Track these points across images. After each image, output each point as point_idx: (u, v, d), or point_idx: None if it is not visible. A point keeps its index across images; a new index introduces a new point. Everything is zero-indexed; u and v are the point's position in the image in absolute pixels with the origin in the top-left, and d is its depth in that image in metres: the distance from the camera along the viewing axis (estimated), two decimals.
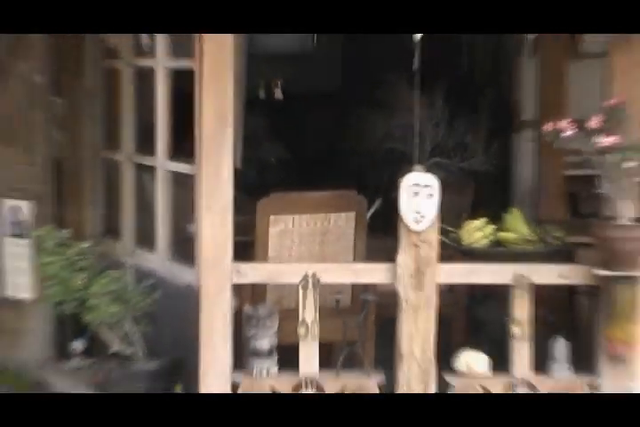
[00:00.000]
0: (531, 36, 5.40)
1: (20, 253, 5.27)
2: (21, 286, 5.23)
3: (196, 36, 3.99)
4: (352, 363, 4.12)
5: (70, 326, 5.27)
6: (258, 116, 6.10)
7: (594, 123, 3.66)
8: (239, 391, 3.96)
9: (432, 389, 3.88)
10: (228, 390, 3.98)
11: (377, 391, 3.88)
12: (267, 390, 3.94)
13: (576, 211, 5.79)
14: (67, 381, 4.88)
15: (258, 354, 3.96)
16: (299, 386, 3.94)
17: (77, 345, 5.19)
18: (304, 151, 6.52)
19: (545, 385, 3.90)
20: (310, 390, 3.96)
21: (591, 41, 5.61)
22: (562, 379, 3.94)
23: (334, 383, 3.93)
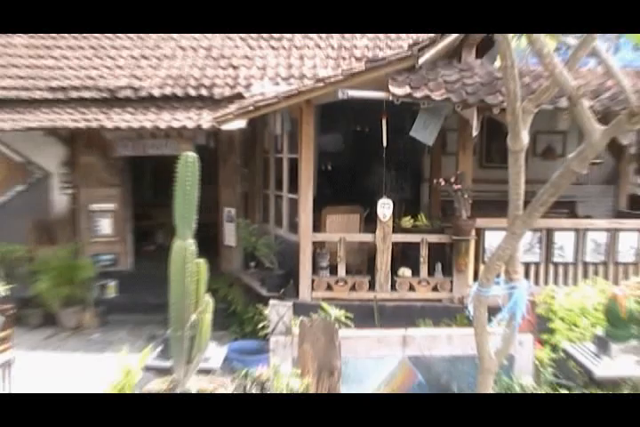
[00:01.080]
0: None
1: (230, 229, 11.01)
2: (231, 241, 10.93)
3: (299, 142, 9.25)
4: (359, 271, 9.34)
5: (249, 256, 10.79)
6: (321, 176, 11.12)
7: (453, 180, 8.88)
8: (314, 285, 9.12)
9: (389, 284, 9.08)
10: (309, 284, 9.12)
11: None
12: (325, 284, 9.14)
13: (444, 213, 10.60)
14: (247, 277, 10.30)
15: (321, 268, 9.23)
16: (338, 280, 9.14)
17: (252, 264, 10.79)
18: (339, 189, 11.26)
19: (432, 281, 9.08)
20: (349, 282, 9.03)
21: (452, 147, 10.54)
22: (438, 277, 9.12)
23: (351, 280, 9.16)
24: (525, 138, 3.50)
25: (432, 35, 8.85)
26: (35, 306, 10.90)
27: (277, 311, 5.24)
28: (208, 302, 5.22)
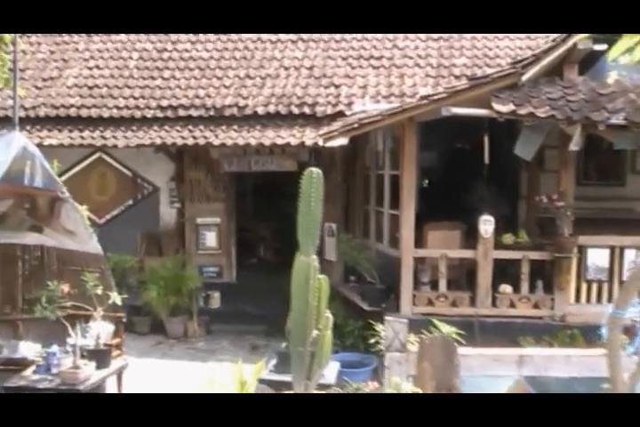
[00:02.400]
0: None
1: (331, 243, 11.07)
2: (332, 255, 10.99)
3: (401, 158, 9.28)
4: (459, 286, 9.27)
5: (349, 270, 10.81)
6: (420, 193, 10.76)
7: (555, 197, 8.74)
8: (415, 300, 9.07)
9: (489, 301, 8.97)
10: (411, 298, 9.08)
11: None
12: (426, 299, 9.10)
13: (542, 230, 10.26)
14: (348, 291, 10.29)
15: (422, 283, 9.20)
16: (439, 295, 9.09)
17: (352, 278, 10.74)
18: (438, 205, 10.76)
19: (533, 298, 8.93)
20: (450, 297, 8.98)
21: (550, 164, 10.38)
22: (539, 295, 8.97)
23: (451, 295, 9.10)
24: None
25: (536, 52, 8.76)
26: (143, 314, 11.22)
27: (393, 328, 5.24)
28: (328, 318, 5.25)
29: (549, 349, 7.13)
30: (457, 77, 12.04)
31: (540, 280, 9.05)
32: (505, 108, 8.16)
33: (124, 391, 7.40)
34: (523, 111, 8.13)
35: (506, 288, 9.05)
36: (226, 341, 11.05)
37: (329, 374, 6.29)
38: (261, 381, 6.28)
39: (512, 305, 9.04)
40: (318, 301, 5.12)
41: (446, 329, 6.64)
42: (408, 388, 4.73)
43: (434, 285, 9.21)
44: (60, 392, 6.42)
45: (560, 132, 8.64)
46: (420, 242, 9.40)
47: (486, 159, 8.94)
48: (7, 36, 8.31)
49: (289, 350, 6.01)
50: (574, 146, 8.33)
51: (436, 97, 8.49)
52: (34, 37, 13.89)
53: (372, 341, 7.53)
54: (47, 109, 12.37)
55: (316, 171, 5.07)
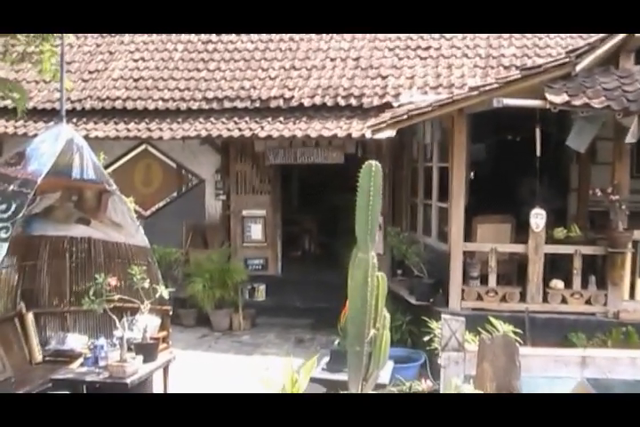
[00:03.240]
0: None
1: (380, 236, 10.77)
2: (379, 248, 10.77)
3: (450, 151, 9.07)
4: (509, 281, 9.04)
5: (396, 263, 10.72)
6: (469, 185, 10.57)
7: (609, 190, 8.45)
8: (464, 295, 8.86)
9: (540, 296, 8.73)
10: (459, 293, 8.86)
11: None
12: (475, 294, 8.88)
13: (592, 224, 10.12)
14: (395, 285, 10.01)
15: (471, 278, 8.97)
16: (488, 290, 8.85)
17: (399, 272, 10.64)
18: (487, 198, 10.40)
19: (585, 293, 8.68)
20: (499, 292, 8.74)
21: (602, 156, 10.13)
22: (592, 290, 8.70)
23: (501, 290, 8.87)
24: None
25: (590, 41, 8.48)
26: (189, 307, 11.20)
27: (450, 326, 5.06)
28: (386, 317, 5.10)
29: (613, 350, 6.85)
30: (506, 68, 11.78)
31: (593, 275, 8.77)
32: (559, 98, 7.89)
33: (169, 384, 7.36)
34: (577, 102, 7.85)
35: (557, 283, 8.80)
36: (271, 334, 10.96)
37: (384, 374, 6.13)
38: (313, 379, 6.09)
39: (564, 301, 8.77)
40: (376, 299, 4.95)
41: (503, 327, 6.44)
42: (468, 389, 4.55)
43: (483, 279, 8.98)
44: (106, 385, 6.39)
45: (615, 123, 8.34)
46: (469, 236, 9.19)
47: (538, 151, 8.66)
48: None
49: (341, 348, 5.88)
50: (632, 138, 8.04)
51: (486, 88, 8.24)
52: None
53: (426, 338, 7.37)
54: (93, 102, 12.39)
55: (374, 164, 4.87)
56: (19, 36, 8.44)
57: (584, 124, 8.44)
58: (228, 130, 11.30)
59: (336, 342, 6.50)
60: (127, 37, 13.81)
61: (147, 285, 6.94)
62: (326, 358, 6.75)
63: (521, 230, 9.12)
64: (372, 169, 4.82)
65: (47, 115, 12.22)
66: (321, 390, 6.24)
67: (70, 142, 6.45)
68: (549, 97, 7.88)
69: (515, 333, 6.75)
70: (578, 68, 8.30)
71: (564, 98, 7.87)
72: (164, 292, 7.13)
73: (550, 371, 5.16)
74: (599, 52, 8.32)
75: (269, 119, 11.52)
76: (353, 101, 11.56)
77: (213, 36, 13.48)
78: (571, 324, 8.53)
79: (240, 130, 11.25)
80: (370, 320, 4.88)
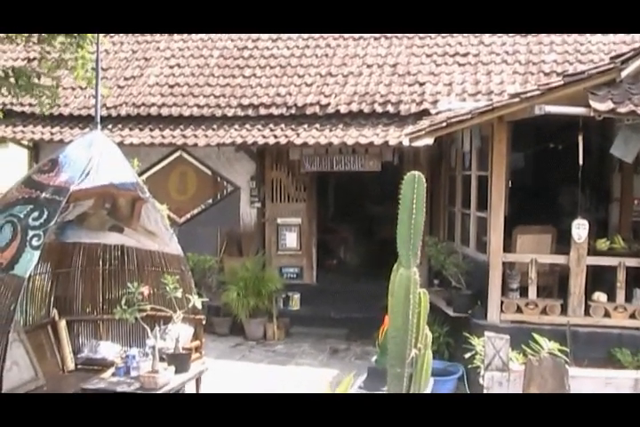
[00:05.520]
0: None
1: None
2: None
3: (490, 159, 8.88)
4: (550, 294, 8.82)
5: (433, 273, 10.56)
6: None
7: None
8: (503, 307, 8.63)
9: (582, 309, 8.47)
10: (498, 305, 8.61)
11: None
12: (514, 306, 8.66)
13: (636, 235, 9.95)
14: (431, 296, 9.74)
15: (511, 289, 8.75)
16: (528, 302, 8.59)
17: (436, 282, 10.49)
18: (527, 207, 10.54)
19: (629, 307, 8.42)
20: (540, 305, 8.51)
21: None
22: (637, 304, 8.44)
23: (542, 302, 8.63)
24: None
25: (635, 46, 8.25)
26: (223, 315, 11.13)
27: (494, 344, 4.87)
28: (428, 335, 4.94)
29: None
30: (547, 74, 11.55)
31: (638, 289, 8.50)
32: (603, 106, 7.67)
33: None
34: (623, 109, 7.61)
35: (600, 296, 8.55)
36: (305, 344, 10.83)
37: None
38: None
39: (607, 314, 8.50)
40: (418, 317, 4.77)
41: (548, 345, 6.24)
42: None
43: (523, 291, 8.76)
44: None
45: None
46: (508, 246, 8.99)
47: (580, 160, 8.44)
48: (90, 36, 8.31)
49: (379, 366, 5.71)
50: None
51: (528, 94, 8.03)
52: (116, 37, 13.96)
53: (467, 355, 7.17)
54: (128, 108, 12.39)
55: (417, 175, 4.67)
56: (54, 42, 8.43)
57: (630, 133, 8.18)
58: (264, 137, 11.21)
59: (373, 359, 6.32)
60: (163, 43, 13.81)
61: (180, 294, 6.87)
62: (363, 376, 6.54)
63: (562, 241, 8.91)
64: (416, 180, 4.63)
65: (83, 121, 12.27)
66: None
67: (103, 149, 6.38)
68: (593, 104, 7.67)
69: (560, 350, 6.52)
70: (623, 74, 8.07)
71: (609, 105, 7.65)
72: (197, 302, 7.05)
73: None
74: None
75: (305, 126, 11.40)
76: (390, 108, 11.40)
77: (249, 43, 13.43)
78: (615, 339, 8.26)
79: (275, 137, 11.15)
80: (411, 340, 4.71)
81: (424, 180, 4.73)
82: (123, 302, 6.58)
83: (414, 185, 4.66)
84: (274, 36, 13.41)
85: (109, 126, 11.84)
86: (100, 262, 7.79)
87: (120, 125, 12.11)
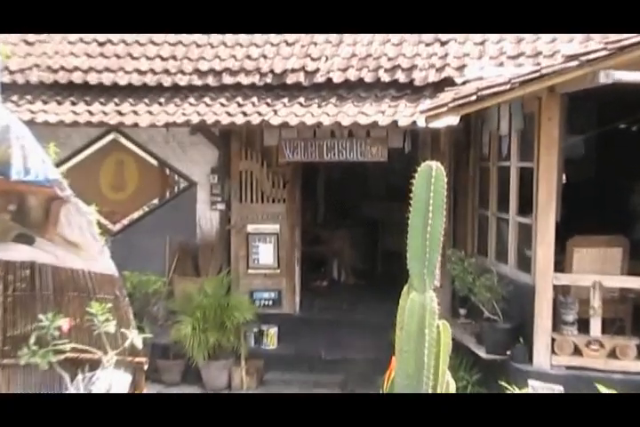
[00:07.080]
0: None
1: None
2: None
3: (536, 145, 8.74)
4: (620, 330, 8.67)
5: (459, 300, 10.47)
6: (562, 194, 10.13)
7: None
8: (554, 346, 8.46)
9: None
10: (548, 344, 8.49)
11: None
12: (571, 346, 8.50)
13: None
14: (456, 330, 9.61)
15: (565, 323, 8.61)
16: (590, 341, 8.44)
17: (462, 311, 10.37)
18: (588, 213, 10.61)
19: None
20: (607, 345, 8.32)
21: None
22: None
23: (609, 342, 8.46)
24: None
25: None
26: (173, 357, 11.05)
27: None
28: (451, 384, 4.72)
29: None
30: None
31: None
32: None
33: None
34: None
35: None
36: None
37: None
38: None
39: None
40: (437, 359, 4.53)
41: None
42: None
43: (582, 325, 8.70)
44: None
45: None
46: (561, 263, 8.98)
47: None
48: None
49: None
50: None
51: (590, 56, 7.85)
52: None
53: None
54: (41, 73, 12.19)
55: (435, 166, 4.36)
56: None
57: None
58: (229, 114, 11.05)
59: None
60: None
61: (112, 328, 6.72)
62: None
63: (637, 257, 8.90)
64: (432, 174, 4.36)
65: None
66: None
67: (6, 130, 6.19)
68: None
69: None
70: None
71: None
72: (136, 338, 6.91)
73: None
74: None
75: (285, 100, 11.31)
76: (400, 76, 11.32)
77: None
78: None
79: (245, 115, 10.99)
80: (427, 390, 4.48)
81: (444, 173, 4.45)
82: (32, 340, 6.47)
83: (431, 180, 4.35)
84: None
85: (14, 98, 11.57)
86: (1, 286, 7.60)
87: (29, 97, 11.84)
